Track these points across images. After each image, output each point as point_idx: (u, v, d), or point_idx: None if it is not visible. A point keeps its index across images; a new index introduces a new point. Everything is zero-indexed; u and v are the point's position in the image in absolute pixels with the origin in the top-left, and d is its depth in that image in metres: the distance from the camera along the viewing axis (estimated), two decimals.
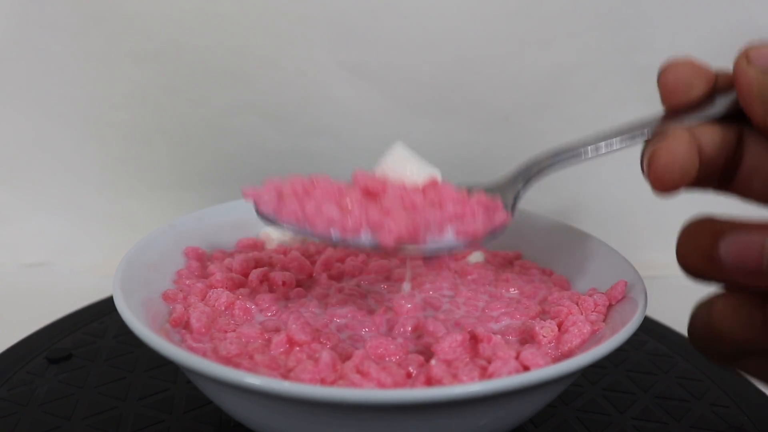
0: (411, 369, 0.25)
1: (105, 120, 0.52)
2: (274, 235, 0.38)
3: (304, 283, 0.34)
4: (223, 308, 0.30)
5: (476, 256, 0.38)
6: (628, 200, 0.56)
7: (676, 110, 0.26)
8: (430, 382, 0.24)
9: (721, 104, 0.25)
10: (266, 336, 0.28)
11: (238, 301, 0.31)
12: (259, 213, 0.28)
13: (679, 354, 0.38)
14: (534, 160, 0.30)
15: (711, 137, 0.24)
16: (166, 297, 0.31)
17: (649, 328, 0.41)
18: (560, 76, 0.51)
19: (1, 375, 0.34)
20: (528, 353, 0.26)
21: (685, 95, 0.26)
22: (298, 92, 0.52)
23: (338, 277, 0.35)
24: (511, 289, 0.34)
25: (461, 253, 0.37)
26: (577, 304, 0.30)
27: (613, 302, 0.31)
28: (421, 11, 0.50)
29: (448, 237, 0.28)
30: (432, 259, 0.29)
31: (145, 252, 0.32)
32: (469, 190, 0.30)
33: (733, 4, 0.50)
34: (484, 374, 0.25)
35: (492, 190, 0.30)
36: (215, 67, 0.51)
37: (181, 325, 0.29)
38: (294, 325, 0.28)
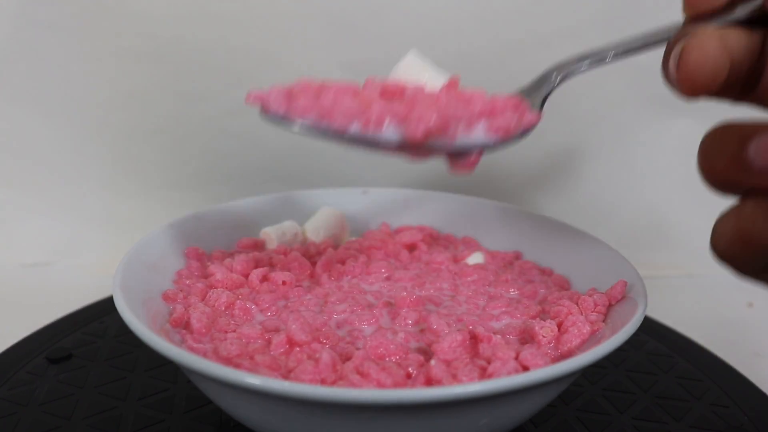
0: (411, 369, 0.25)
1: (105, 120, 0.52)
2: (274, 235, 0.38)
3: (304, 283, 0.34)
4: (223, 308, 0.30)
5: (476, 257, 0.38)
6: (628, 200, 0.56)
7: (698, 17, 0.25)
8: (429, 382, 0.24)
9: (744, 10, 0.25)
10: (266, 336, 0.28)
11: (238, 301, 0.31)
12: (267, 114, 0.25)
13: (679, 354, 0.38)
14: (558, 64, 0.29)
15: (737, 39, 0.24)
16: (166, 297, 0.31)
17: (649, 328, 0.41)
18: None
19: (1, 375, 0.34)
20: (527, 353, 0.26)
21: (708, 2, 0.25)
22: None
23: (338, 278, 0.35)
24: (511, 290, 0.34)
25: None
26: (577, 304, 0.30)
27: (613, 302, 0.31)
28: (421, 11, 0.50)
29: (479, 133, 0.26)
30: (460, 158, 0.26)
31: (145, 252, 0.32)
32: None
33: None
34: (484, 374, 0.25)
35: (517, 95, 0.29)
36: (215, 67, 0.51)
37: (181, 326, 0.29)
38: (294, 326, 0.28)
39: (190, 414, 0.31)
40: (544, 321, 0.29)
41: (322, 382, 0.24)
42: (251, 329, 0.28)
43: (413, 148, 0.25)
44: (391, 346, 0.26)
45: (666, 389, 0.35)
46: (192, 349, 0.27)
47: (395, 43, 0.51)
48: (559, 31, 0.50)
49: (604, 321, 0.30)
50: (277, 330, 0.29)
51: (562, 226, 0.38)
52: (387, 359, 0.26)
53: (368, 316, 0.30)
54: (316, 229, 0.40)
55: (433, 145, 0.25)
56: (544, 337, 0.28)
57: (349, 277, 0.35)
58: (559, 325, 0.29)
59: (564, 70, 0.28)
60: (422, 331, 0.29)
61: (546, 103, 0.28)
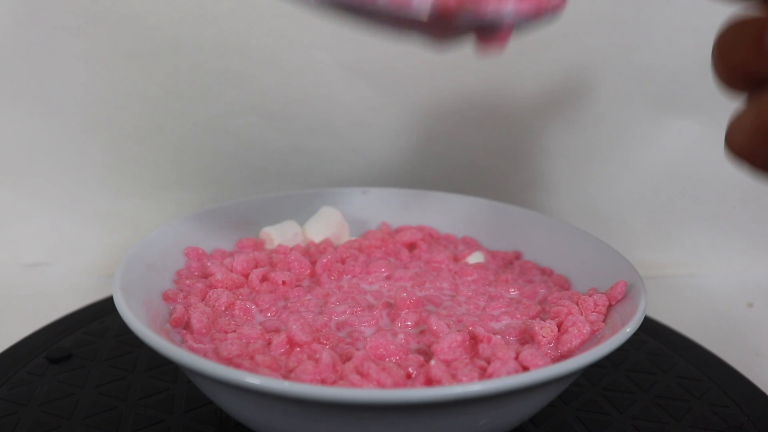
0: (411, 369, 0.25)
1: (105, 120, 0.52)
2: (274, 235, 0.38)
3: (304, 283, 0.34)
4: (223, 308, 0.30)
5: (476, 257, 0.38)
6: (628, 200, 0.56)
7: None
8: (429, 382, 0.24)
9: None
10: (267, 337, 0.28)
11: (238, 302, 0.31)
12: None
13: (679, 354, 0.38)
14: None
15: None
16: (166, 297, 0.31)
17: (649, 328, 0.41)
18: (560, 76, 0.51)
19: (1, 375, 0.34)
20: (527, 353, 0.26)
21: None
22: (298, 92, 0.52)
23: (338, 278, 0.35)
24: (511, 290, 0.34)
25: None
26: (577, 304, 0.30)
27: (613, 302, 0.31)
28: None
29: (510, 4, 0.24)
30: (490, 34, 0.25)
31: (145, 252, 0.32)
32: None
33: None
34: (484, 374, 0.25)
35: None
36: (215, 67, 0.51)
37: (181, 326, 0.29)
38: (294, 326, 0.28)
39: (190, 414, 0.31)
40: (544, 321, 0.29)
41: (323, 382, 0.24)
42: (251, 329, 0.28)
43: (443, 22, 0.23)
44: (391, 347, 0.26)
45: (666, 389, 0.35)
46: (192, 349, 0.27)
47: (395, 43, 0.51)
48: (559, 31, 0.50)
49: (604, 321, 0.30)
50: (277, 330, 0.29)
51: (562, 226, 0.38)
52: (387, 360, 0.26)
53: (368, 318, 0.30)
54: (316, 229, 0.40)
55: (464, 16, 0.23)
56: (544, 337, 0.28)
57: (349, 276, 0.35)
58: (559, 325, 0.29)
59: None
60: (422, 332, 0.29)
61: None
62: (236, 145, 0.54)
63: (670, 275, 0.55)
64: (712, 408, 0.33)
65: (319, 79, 0.51)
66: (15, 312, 0.45)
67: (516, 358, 0.26)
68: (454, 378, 0.24)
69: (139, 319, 0.26)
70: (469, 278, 0.35)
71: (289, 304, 0.32)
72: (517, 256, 0.39)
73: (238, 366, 0.25)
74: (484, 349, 0.27)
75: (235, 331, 0.28)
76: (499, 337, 0.28)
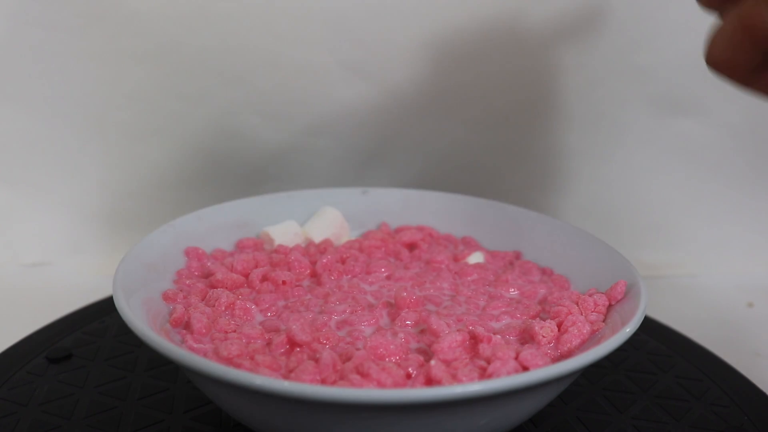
0: (411, 369, 0.25)
1: (105, 120, 0.52)
2: (274, 235, 0.38)
3: (304, 282, 0.34)
4: (223, 308, 0.30)
5: (476, 257, 0.38)
6: (628, 200, 0.56)
7: None
8: (429, 382, 0.24)
9: None
10: (267, 336, 0.28)
11: (238, 302, 0.31)
12: None
13: (679, 354, 0.38)
14: None
15: None
16: (166, 297, 0.31)
17: (649, 328, 0.41)
18: (560, 76, 0.51)
19: (1, 375, 0.34)
20: (527, 353, 0.26)
21: None
22: (298, 92, 0.52)
23: (338, 277, 0.35)
24: (511, 290, 0.34)
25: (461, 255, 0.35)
26: (577, 304, 0.30)
27: (613, 302, 0.31)
28: (421, 11, 0.50)
29: None
30: None
31: (145, 252, 0.32)
32: None
33: None
34: (484, 374, 0.25)
35: None
36: (215, 67, 0.51)
37: (181, 326, 0.29)
38: (295, 326, 0.28)
39: (190, 414, 0.31)
40: (544, 321, 0.29)
41: (323, 382, 0.24)
42: (251, 329, 0.28)
43: None
44: (391, 347, 0.26)
45: (666, 389, 0.35)
46: (192, 349, 0.27)
47: (395, 43, 0.51)
48: (559, 32, 0.50)
49: (604, 321, 0.30)
50: (277, 330, 0.29)
51: (562, 226, 0.38)
52: (387, 359, 0.26)
53: (368, 317, 0.30)
54: (316, 229, 0.40)
55: None
56: (544, 337, 0.28)
57: (350, 276, 0.35)
58: (559, 325, 0.29)
59: None
60: (422, 331, 0.29)
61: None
62: (236, 145, 0.54)
63: (670, 275, 0.55)
64: (712, 408, 0.33)
65: (319, 79, 0.51)
66: (15, 312, 0.45)
67: (516, 358, 0.26)
68: (454, 378, 0.24)
69: (139, 318, 0.26)
70: (469, 278, 0.35)
71: (289, 304, 0.32)
72: (517, 256, 0.39)
73: (238, 366, 0.25)
74: (484, 348, 0.27)
75: (235, 331, 0.28)
76: (499, 336, 0.28)
